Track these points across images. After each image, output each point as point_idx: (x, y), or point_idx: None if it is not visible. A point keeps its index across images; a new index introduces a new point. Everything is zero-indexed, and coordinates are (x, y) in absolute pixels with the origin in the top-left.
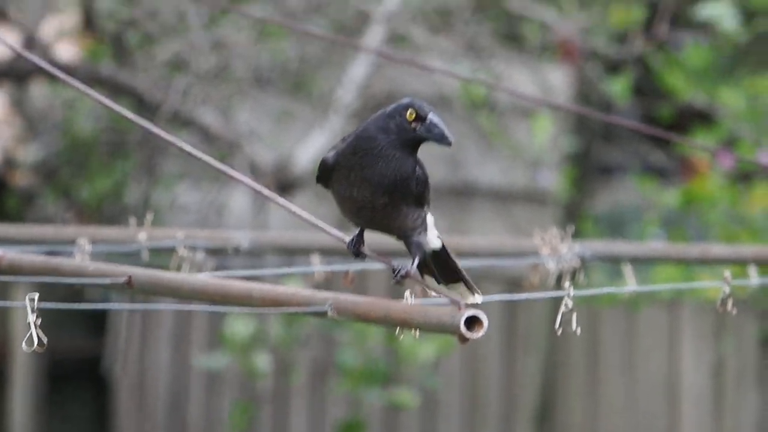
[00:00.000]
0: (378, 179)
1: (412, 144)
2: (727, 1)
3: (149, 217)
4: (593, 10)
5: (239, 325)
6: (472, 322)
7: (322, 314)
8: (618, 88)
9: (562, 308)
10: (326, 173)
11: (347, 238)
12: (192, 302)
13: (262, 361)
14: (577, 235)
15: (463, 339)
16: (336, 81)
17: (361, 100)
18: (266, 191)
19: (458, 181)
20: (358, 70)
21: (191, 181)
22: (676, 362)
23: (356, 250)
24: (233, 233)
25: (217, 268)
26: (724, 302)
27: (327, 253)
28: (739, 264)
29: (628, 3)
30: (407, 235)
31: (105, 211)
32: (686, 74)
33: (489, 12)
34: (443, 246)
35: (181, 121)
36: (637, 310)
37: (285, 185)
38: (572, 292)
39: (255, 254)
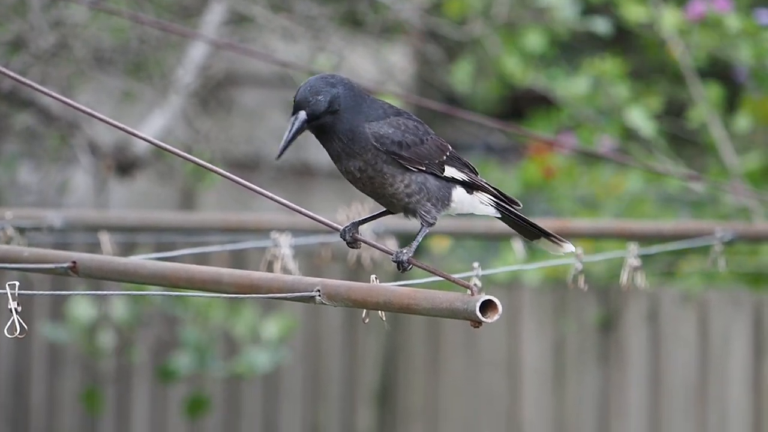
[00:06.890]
0: (342, 148)
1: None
2: None
3: None
4: None
5: (83, 306)
6: (485, 307)
7: (309, 300)
8: (459, 74)
9: (474, 289)
10: None
11: (341, 226)
12: (150, 288)
13: (105, 340)
14: None
15: (477, 324)
16: (176, 61)
17: (201, 79)
18: (244, 182)
19: (299, 162)
20: (197, 50)
21: (32, 161)
22: (516, 341)
23: (351, 238)
24: (46, 212)
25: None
26: (575, 278)
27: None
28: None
29: None
30: (407, 205)
31: None
32: (525, 58)
33: None
34: (505, 211)
35: (19, 102)
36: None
37: (125, 166)
38: (480, 272)
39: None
